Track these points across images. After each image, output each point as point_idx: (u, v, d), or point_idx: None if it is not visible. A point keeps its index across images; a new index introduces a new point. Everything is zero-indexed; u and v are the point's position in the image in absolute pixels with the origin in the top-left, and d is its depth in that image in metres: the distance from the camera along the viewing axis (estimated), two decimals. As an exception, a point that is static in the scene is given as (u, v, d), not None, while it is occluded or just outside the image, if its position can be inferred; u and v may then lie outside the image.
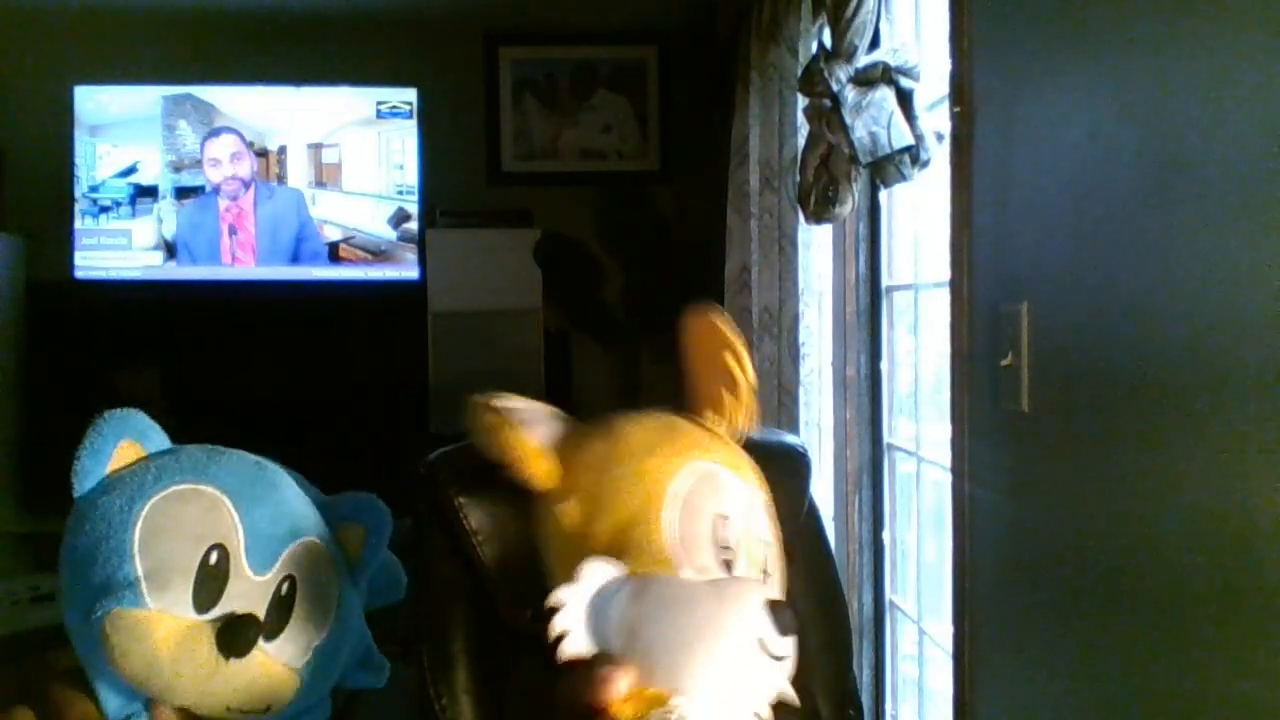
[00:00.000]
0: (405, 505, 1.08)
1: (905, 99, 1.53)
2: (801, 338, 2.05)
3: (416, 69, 3.31)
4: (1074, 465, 1.03)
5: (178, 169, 3.17)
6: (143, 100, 3.17)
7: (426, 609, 1.04)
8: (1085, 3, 1.01)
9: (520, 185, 3.43)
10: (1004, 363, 1.13)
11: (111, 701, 0.72)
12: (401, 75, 3.27)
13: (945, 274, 1.34)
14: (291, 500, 0.81)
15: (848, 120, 1.53)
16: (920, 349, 1.92)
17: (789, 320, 2.08)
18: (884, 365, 2.05)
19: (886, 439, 2.05)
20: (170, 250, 3.18)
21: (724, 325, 0.86)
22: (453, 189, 3.34)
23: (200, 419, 1.20)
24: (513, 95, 3.46)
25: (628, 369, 3.43)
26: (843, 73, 1.55)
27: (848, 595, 1.97)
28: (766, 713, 0.77)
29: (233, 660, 0.71)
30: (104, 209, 3.16)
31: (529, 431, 0.82)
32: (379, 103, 3.22)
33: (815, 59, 1.61)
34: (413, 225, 3.22)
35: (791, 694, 0.79)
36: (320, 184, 3.21)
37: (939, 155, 1.52)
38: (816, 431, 2.17)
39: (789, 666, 0.77)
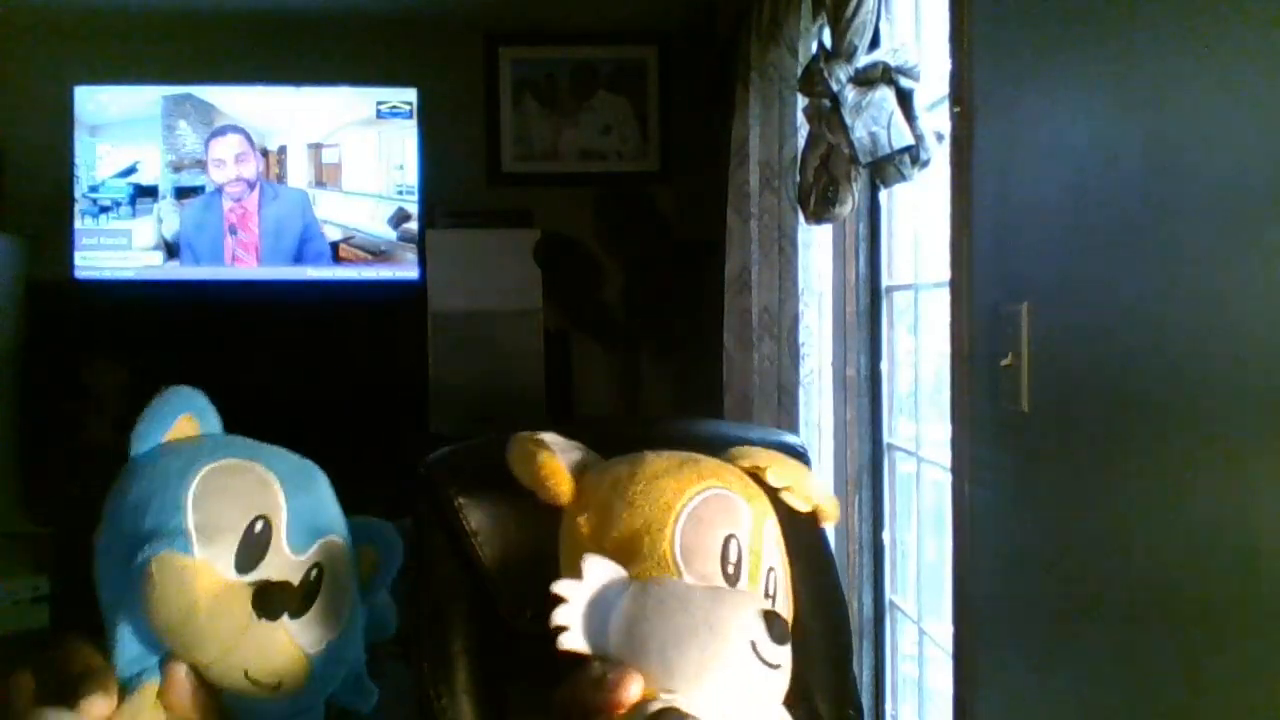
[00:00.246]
0: (405, 505, 1.09)
1: (905, 99, 1.53)
2: (801, 338, 2.05)
3: (416, 69, 3.31)
4: (1074, 465, 1.03)
5: (178, 169, 3.17)
6: (143, 100, 3.17)
7: (426, 609, 1.05)
8: (1085, 3, 1.01)
9: (520, 185, 3.43)
10: (1004, 363, 1.13)
11: (129, 653, 0.73)
12: (401, 75, 3.27)
13: (945, 274, 1.34)
14: (328, 500, 0.85)
15: (848, 120, 1.53)
16: (920, 349, 1.93)
17: (789, 320, 2.08)
18: (884, 365, 2.06)
19: (886, 439, 2.06)
20: (171, 250, 3.18)
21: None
22: (453, 189, 3.34)
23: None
24: (513, 95, 3.46)
25: (628, 369, 3.43)
26: (843, 73, 1.55)
27: (848, 595, 1.97)
28: None
29: (264, 621, 0.73)
30: (104, 209, 3.16)
31: (563, 456, 0.86)
32: (379, 103, 3.22)
33: (815, 59, 1.61)
34: (413, 225, 3.22)
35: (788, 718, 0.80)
36: (320, 184, 3.21)
37: (939, 155, 1.52)
38: (816, 431, 2.17)
39: (783, 680, 0.77)
